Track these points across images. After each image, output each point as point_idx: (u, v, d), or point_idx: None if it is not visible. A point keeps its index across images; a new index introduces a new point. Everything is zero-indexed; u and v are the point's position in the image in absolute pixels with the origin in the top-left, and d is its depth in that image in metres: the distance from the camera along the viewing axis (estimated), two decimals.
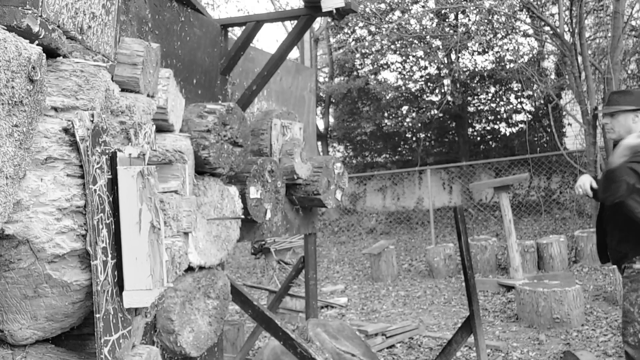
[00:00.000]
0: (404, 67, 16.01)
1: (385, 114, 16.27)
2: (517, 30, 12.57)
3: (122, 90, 1.97)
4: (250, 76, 3.78)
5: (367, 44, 15.00)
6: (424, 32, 13.02)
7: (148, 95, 2.16)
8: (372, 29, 14.13)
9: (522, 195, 13.40)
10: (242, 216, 3.04)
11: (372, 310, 7.44)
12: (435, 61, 14.11)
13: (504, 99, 15.84)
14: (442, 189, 14.95)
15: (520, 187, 13.39)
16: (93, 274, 1.59)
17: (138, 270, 1.74)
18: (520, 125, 15.59)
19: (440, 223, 13.31)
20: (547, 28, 10.86)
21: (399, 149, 17.44)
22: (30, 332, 1.59)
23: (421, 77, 16.11)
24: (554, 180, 13.04)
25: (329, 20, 14.44)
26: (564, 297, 5.79)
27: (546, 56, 13.95)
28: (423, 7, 13.20)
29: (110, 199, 1.73)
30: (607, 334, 5.42)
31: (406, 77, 16.11)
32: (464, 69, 14.62)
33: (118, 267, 1.74)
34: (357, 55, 15.32)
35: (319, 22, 15.68)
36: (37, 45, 1.43)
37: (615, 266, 3.63)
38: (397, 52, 14.94)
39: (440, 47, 13.42)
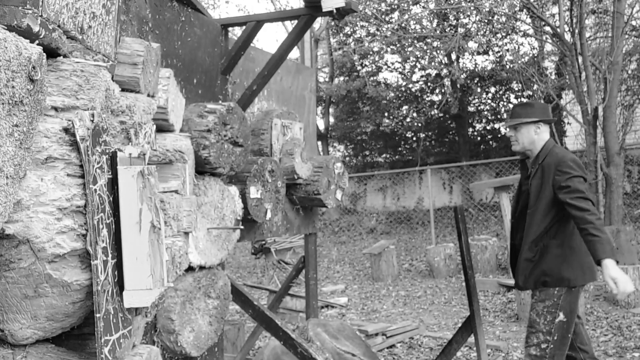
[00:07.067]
0: (404, 67, 16.01)
1: (386, 114, 16.27)
2: (517, 31, 12.57)
3: (123, 90, 1.97)
4: (251, 76, 3.78)
5: (366, 44, 15.00)
6: (423, 31, 13.01)
7: (148, 95, 2.16)
8: (372, 29, 14.13)
9: None
10: (242, 227, 3.06)
11: (373, 310, 7.44)
12: (434, 63, 14.11)
13: (504, 99, 15.84)
14: (442, 188, 14.94)
15: None
16: (93, 273, 1.59)
17: (138, 270, 1.74)
18: None
19: (441, 223, 13.30)
20: (547, 28, 10.86)
21: (399, 148, 17.44)
22: (30, 331, 1.59)
23: (421, 77, 16.11)
24: None
25: (330, 20, 14.45)
26: None
27: (546, 56, 13.94)
28: (423, 7, 13.19)
29: (111, 198, 1.73)
30: (608, 334, 5.42)
31: (406, 77, 16.11)
32: (464, 70, 14.62)
33: (118, 266, 1.74)
34: (356, 57, 15.32)
35: (319, 22, 15.68)
36: (38, 45, 1.43)
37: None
38: (397, 53, 14.94)
39: (440, 48, 13.42)
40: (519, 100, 15.60)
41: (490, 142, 16.38)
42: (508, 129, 3.44)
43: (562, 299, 3.19)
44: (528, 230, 3.27)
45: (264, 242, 9.49)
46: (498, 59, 14.44)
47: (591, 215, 3.04)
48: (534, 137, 3.34)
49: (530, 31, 12.22)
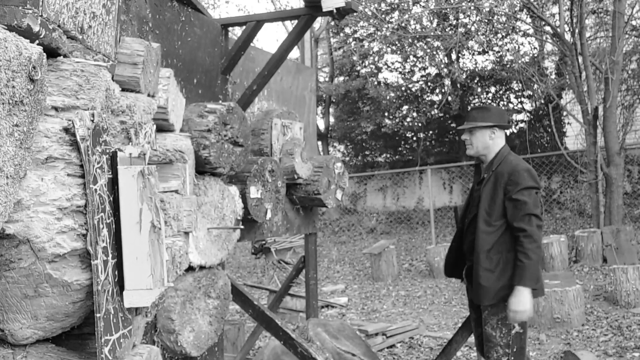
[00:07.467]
0: (404, 67, 16.01)
1: (386, 114, 16.27)
2: (518, 30, 12.58)
3: (123, 89, 1.97)
4: (251, 76, 3.78)
5: (366, 44, 15.01)
6: (424, 30, 13.02)
7: (148, 95, 2.16)
8: (372, 29, 14.14)
9: None
10: (242, 226, 3.06)
11: (373, 310, 7.44)
12: (435, 62, 14.11)
13: (504, 99, 15.83)
14: (442, 188, 14.94)
15: None
16: (93, 273, 1.59)
17: (138, 269, 1.74)
18: (520, 125, 15.59)
19: (441, 223, 13.30)
20: (547, 28, 10.86)
21: (399, 148, 17.44)
22: (30, 331, 1.59)
23: (421, 77, 16.11)
24: (555, 180, 13.04)
25: (330, 20, 14.44)
26: (564, 296, 5.79)
27: (546, 56, 13.95)
28: (423, 7, 13.19)
29: (111, 198, 1.73)
30: (608, 334, 5.42)
31: (406, 77, 16.11)
32: (465, 69, 14.62)
33: (118, 266, 1.74)
34: (356, 57, 15.32)
35: (319, 22, 15.69)
36: (38, 44, 1.43)
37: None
38: (397, 53, 14.95)
39: (441, 47, 13.42)
40: (518, 100, 15.61)
41: None
42: (463, 132, 3.38)
43: None
44: (482, 239, 3.16)
45: (264, 242, 9.49)
46: (498, 59, 14.44)
47: (526, 237, 3.03)
48: (489, 142, 3.27)
49: (531, 31, 12.22)
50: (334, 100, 17.27)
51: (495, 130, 3.28)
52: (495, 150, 3.28)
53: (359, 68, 16.32)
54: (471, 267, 3.29)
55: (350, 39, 15.92)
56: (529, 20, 12.04)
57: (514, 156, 3.26)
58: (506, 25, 12.30)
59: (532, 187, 3.10)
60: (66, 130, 1.57)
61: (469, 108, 3.62)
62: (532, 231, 3.04)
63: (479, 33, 12.84)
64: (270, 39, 36.73)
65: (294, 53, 14.66)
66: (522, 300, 3.05)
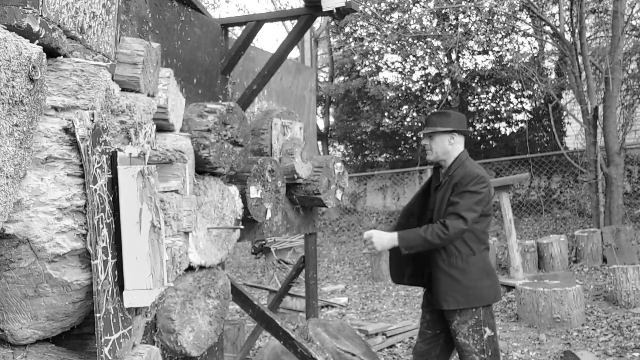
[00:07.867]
0: (404, 67, 16.01)
1: (386, 114, 16.28)
2: (517, 30, 12.59)
3: (123, 89, 1.96)
4: (251, 76, 3.78)
5: (366, 44, 15.01)
6: (424, 30, 13.03)
7: (148, 95, 2.15)
8: (372, 29, 14.14)
9: (523, 195, 13.40)
10: (242, 226, 3.06)
11: (373, 310, 7.44)
12: (435, 62, 14.12)
13: (504, 99, 15.84)
14: None
15: (520, 186, 13.39)
16: (93, 273, 1.59)
17: (138, 269, 1.74)
18: (520, 125, 15.59)
19: None
20: (547, 28, 10.87)
21: (399, 148, 17.44)
22: (30, 331, 1.59)
23: (421, 77, 16.11)
24: (554, 180, 13.05)
25: (330, 20, 14.44)
26: (564, 296, 5.79)
27: (546, 56, 13.96)
28: (423, 7, 13.20)
29: (111, 198, 1.73)
30: (608, 334, 5.42)
31: (406, 77, 16.12)
32: (465, 69, 14.62)
33: (118, 266, 1.74)
34: (356, 57, 15.33)
35: (319, 22, 15.68)
36: (38, 44, 1.43)
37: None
38: (397, 53, 14.95)
39: (441, 47, 13.43)
40: (518, 99, 15.61)
41: (491, 142, 16.36)
42: (423, 137, 3.37)
43: (482, 314, 3.16)
44: None
45: (264, 242, 9.49)
46: (498, 59, 14.44)
47: (443, 225, 3.05)
48: (448, 147, 3.25)
49: (531, 31, 12.22)
50: (334, 100, 17.26)
51: (455, 136, 3.26)
52: (454, 155, 3.27)
53: (359, 68, 16.32)
54: (430, 273, 3.29)
55: (350, 39, 15.91)
56: (528, 20, 12.05)
57: (471, 162, 3.26)
58: (506, 25, 12.31)
59: (473, 192, 3.10)
60: (66, 130, 1.57)
61: (430, 113, 3.60)
62: (450, 226, 3.04)
63: (479, 33, 12.85)
64: (270, 39, 36.75)
65: (294, 53, 14.66)
66: (382, 242, 3.19)
